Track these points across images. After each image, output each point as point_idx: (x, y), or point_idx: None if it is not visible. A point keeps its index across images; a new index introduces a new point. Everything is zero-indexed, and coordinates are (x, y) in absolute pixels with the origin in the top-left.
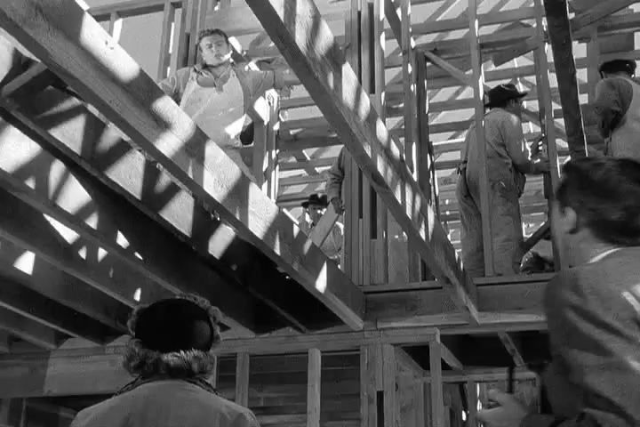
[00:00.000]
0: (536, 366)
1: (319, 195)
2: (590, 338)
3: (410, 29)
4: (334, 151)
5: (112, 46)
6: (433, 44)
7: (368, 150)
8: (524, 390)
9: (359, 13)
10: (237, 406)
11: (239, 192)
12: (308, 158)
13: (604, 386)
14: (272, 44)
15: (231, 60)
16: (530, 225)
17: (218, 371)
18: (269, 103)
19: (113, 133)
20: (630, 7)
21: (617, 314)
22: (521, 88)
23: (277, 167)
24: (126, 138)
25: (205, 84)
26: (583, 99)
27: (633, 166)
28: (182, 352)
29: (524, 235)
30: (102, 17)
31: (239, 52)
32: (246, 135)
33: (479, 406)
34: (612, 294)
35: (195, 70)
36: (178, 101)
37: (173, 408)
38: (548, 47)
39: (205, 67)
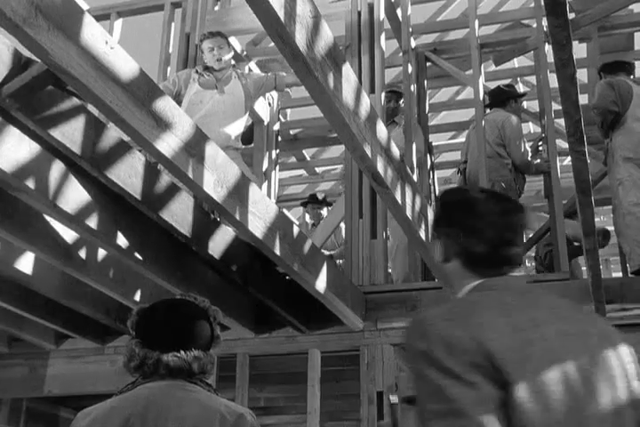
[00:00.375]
0: (413, 399)
1: (319, 195)
2: (434, 384)
3: (410, 29)
4: (334, 151)
5: (112, 46)
6: (433, 44)
7: (368, 150)
8: None
9: (359, 13)
10: (237, 407)
11: (239, 192)
12: (308, 158)
13: None
14: (272, 44)
15: (232, 62)
16: None
17: (218, 371)
18: (269, 103)
19: (113, 133)
20: (630, 7)
21: (458, 359)
22: (521, 88)
23: (277, 167)
24: (126, 138)
25: (207, 86)
26: (583, 99)
27: (497, 199)
28: (182, 352)
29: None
30: (102, 17)
31: (239, 52)
32: (246, 136)
33: None
34: (455, 339)
35: (196, 72)
36: (179, 103)
37: (173, 409)
38: (548, 47)
39: (207, 68)
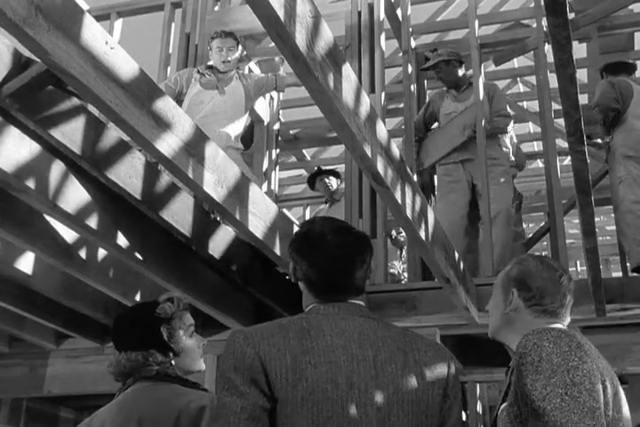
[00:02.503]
0: None
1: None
2: (219, 391)
3: (410, 29)
4: (334, 151)
5: (112, 46)
6: (433, 44)
7: (368, 150)
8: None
9: (359, 13)
10: (205, 400)
11: (239, 192)
12: (308, 158)
13: None
14: (272, 44)
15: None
16: (530, 225)
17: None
18: (269, 103)
19: (113, 133)
20: (630, 7)
21: (243, 373)
22: (521, 88)
23: (277, 167)
24: (126, 138)
25: (208, 86)
26: (583, 99)
27: (338, 232)
28: (123, 353)
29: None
30: (102, 17)
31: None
32: (245, 139)
33: (479, 407)
34: (244, 356)
35: (198, 71)
36: (180, 102)
37: (136, 411)
38: (548, 47)
39: (210, 68)
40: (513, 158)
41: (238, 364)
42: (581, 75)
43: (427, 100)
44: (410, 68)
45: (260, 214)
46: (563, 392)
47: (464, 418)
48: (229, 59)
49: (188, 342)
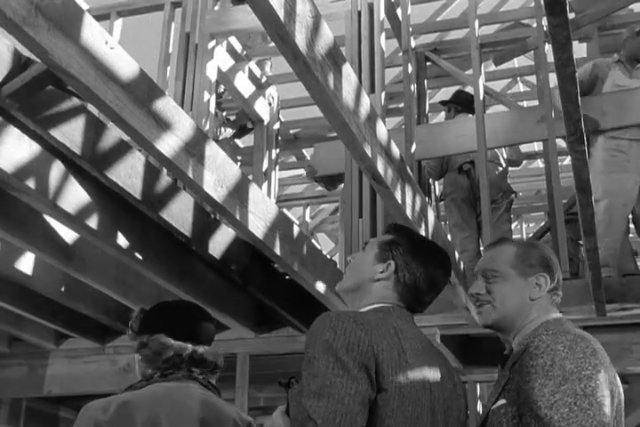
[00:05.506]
0: (284, 383)
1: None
2: (324, 369)
3: (410, 29)
4: None
5: (112, 46)
6: (433, 43)
7: (368, 150)
8: None
9: (359, 13)
10: (244, 415)
11: (239, 192)
12: (308, 158)
13: (315, 410)
14: (272, 44)
15: None
16: (530, 225)
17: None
18: (269, 103)
19: (113, 133)
20: (630, 7)
21: (355, 357)
22: (521, 88)
23: (277, 167)
24: (126, 138)
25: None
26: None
27: (445, 255)
28: (208, 347)
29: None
30: (102, 17)
31: (239, 52)
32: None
33: (479, 406)
34: (358, 340)
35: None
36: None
37: (194, 410)
38: (548, 47)
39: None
40: (506, 155)
41: (351, 347)
42: None
43: (427, 99)
44: (410, 68)
45: (260, 214)
46: (572, 402)
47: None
48: None
49: None
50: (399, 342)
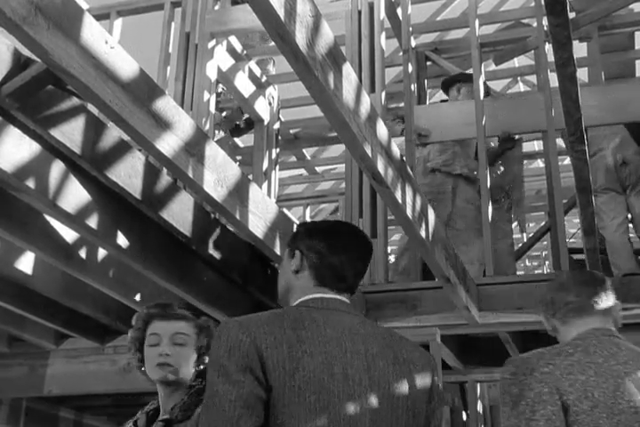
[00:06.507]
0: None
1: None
2: (210, 378)
3: (410, 28)
4: (334, 151)
5: (112, 46)
6: (433, 43)
7: (368, 150)
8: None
9: (359, 13)
10: None
11: (239, 192)
12: (308, 158)
13: (202, 422)
14: (272, 44)
15: None
16: (530, 225)
17: None
18: (269, 103)
19: (113, 133)
20: (631, 6)
21: (237, 361)
22: (521, 88)
23: (277, 167)
24: (126, 138)
25: None
26: None
27: (358, 231)
28: None
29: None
30: (102, 16)
31: (239, 51)
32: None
33: (479, 407)
34: (240, 343)
35: None
36: None
37: None
38: (548, 46)
39: None
40: None
41: (233, 351)
42: (582, 74)
43: (427, 99)
44: (410, 68)
45: (260, 214)
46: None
47: (464, 418)
48: None
49: (145, 348)
50: (293, 333)
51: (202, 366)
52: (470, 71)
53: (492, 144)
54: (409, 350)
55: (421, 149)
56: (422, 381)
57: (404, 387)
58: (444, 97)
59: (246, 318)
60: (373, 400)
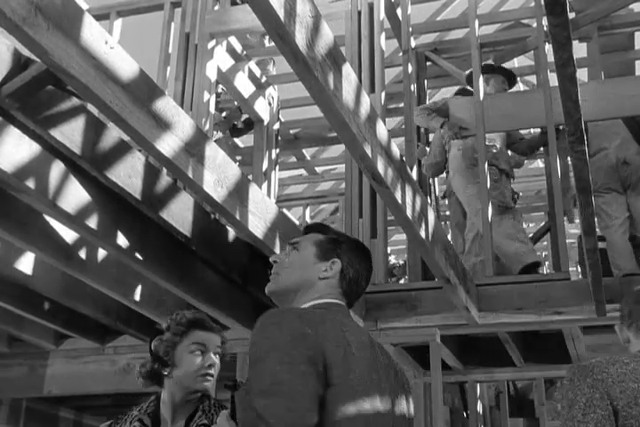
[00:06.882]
0: (231, 385)
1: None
2: (272, 366)
3: (410, 29)
4: (334, 151)
5: (112, 46)
6: (433, 43)
7: (368, 150)
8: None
9: (359, 13)
10: None
11: (239, 192)
12: (308, 158)
13: (265, 409)
14: (270, 44)
15: None
16: (530, 225)
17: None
18: (269, 103)
19: (113, 133)
20: (630, 6)
21: (302, 352)
22: (521, 88)
23: (277, 167)
24: (126, 138)
25: None
26: None
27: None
28: None
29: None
30: (102, 16)
31: (239, 52)
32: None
33: (479, 406)
34: (304, 335)
35: None
36: None
37: None
38: (548, 47)
39: None
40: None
41: (297, 341)
42: (582, 74)
43: (427, 99)
44: (410, 68)
45: (259, 214)
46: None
47: (464, 418)
48: None
49: (186, 358)
50: (344, 335)
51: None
52: (490, 62)
53: (532, 132)
54: (395, 363)
55: (456, 142)
56: (410, 394)
57: (404, 397)
58: (444, 97)
59: (302, 311)
60: (394, 408)
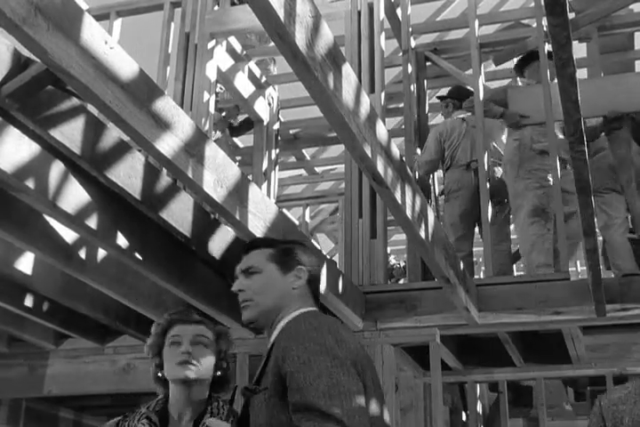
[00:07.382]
0: (250, 389)
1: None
2: (325, 368)
3: (410, 29)
4: (334, 151)
5: (112, 46)
6: (433, 43)
7: (368, 150)
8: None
9: (359, 13)
10: None
11: (239, 192)
12: (308, 158)
13: (333, 409)
14: (272, 44)
15: None
16: None
17: None
18: (269, 103)
19: (113, 133)
20: (630, 7)
21: (346, 355)
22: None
23: (277, 167)
24: (126, 138)
25: None
26: None
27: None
28: None
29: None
30: (101, 16)
31: (239, 52)
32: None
33: (479, 407)
34: (343, 338)
35: None
36: None
37: None
38: (548, 47)
39: None
40: None
41: (341, 344)
42: (581, 74)
43: (427, 99)
44: (410, 68)
45: (259, 214)
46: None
47: (464, 418)
48: None
49: (165, 352)
50: (353, 340)
51: (219, 373)
52: (469, 72)
53: (595, 121)
54: (373, 365)
55: (511, 131)
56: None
57: (383, 400)
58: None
59: (325, 317)
60: (382, 413)
